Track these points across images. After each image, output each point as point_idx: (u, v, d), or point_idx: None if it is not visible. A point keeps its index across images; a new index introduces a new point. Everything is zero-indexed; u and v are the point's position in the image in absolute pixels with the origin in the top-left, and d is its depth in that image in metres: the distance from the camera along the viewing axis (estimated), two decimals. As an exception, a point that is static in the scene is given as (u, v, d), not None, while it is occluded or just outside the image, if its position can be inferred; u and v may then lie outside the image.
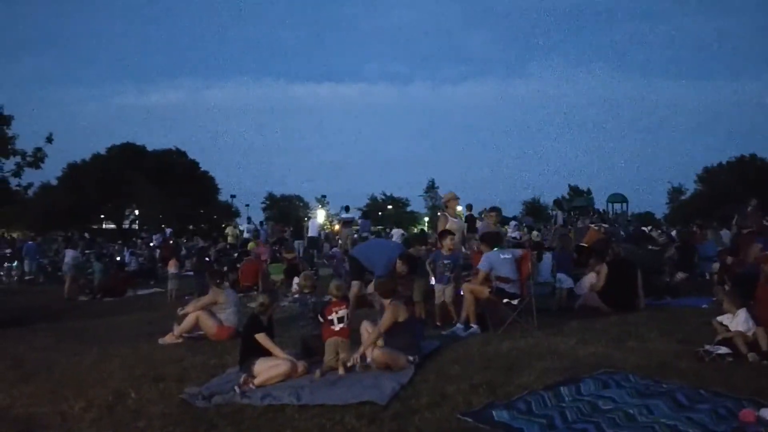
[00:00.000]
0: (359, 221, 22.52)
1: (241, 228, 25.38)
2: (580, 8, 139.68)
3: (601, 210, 31.44)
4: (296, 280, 12.63)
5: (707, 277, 11.39)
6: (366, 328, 5.96)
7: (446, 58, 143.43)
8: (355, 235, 20.47)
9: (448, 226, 8.80)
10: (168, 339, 7.61)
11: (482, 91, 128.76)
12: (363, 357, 5.63)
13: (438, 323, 7.94)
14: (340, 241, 21.75)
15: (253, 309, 6.15)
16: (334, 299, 5.94)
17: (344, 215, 23.03)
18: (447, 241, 8.27)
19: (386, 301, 5.89)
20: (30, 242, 21.30)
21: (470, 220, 19.04)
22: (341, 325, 5.74)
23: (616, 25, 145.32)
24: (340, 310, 5.80)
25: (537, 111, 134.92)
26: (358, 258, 8.57)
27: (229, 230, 26.48)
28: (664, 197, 66.36)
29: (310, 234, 22.96)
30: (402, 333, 5.70)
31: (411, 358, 5.57)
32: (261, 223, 28.90)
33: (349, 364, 5.57)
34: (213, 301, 7.88)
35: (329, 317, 5.77)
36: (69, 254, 15.96)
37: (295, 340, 6.59)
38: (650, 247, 11.15)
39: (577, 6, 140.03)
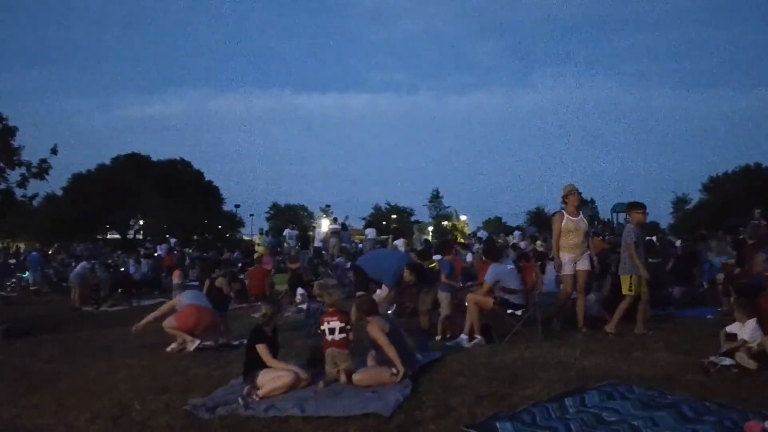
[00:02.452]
0: (343, 232, 22.89)
1: (283, 234, 24.79)
2: (585, 18, 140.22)
3: (605, 220, 31.42)
4: (300, 290, 12.69)
5: (705, 286, 11.33)
6: (373, 356, 5.86)
7: (451, 69, 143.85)
8: (343, 245, 20.93)
9: (564, 226, 7.86)
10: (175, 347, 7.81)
11: (486, 101, 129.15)
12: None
13: (439, 336, 7.92)
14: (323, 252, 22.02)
15: (257, 320, 6.14)
16: (329, 309, 5.92)
17: (332, 226, 23.74)
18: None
19: (369, 318, 5.79)
20: (34, 253, 21.40)
21: (397, 231, 19.58)
22: (332, 337, 5.69)
23: (620, 35, 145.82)
24: (332, 321, 5.75)
25: (541, 121, 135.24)
26: (363, 268, 8.55)
27: (257, 239, 25.85)
28: (669, 207, 66.24)
29: (315, 244, 23.08)
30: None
31: (394, 370, 5.42)
32: (266, 232, 28.82)
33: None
34: (172, 306, 8.16)
35: (322, 327, 5.78)
36: (81, 265, 16.08)
37: (299, 350, 6.59)
38: (650, 260, 11.03)
39: (581, 16, 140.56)
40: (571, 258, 7.88)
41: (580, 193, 8.06)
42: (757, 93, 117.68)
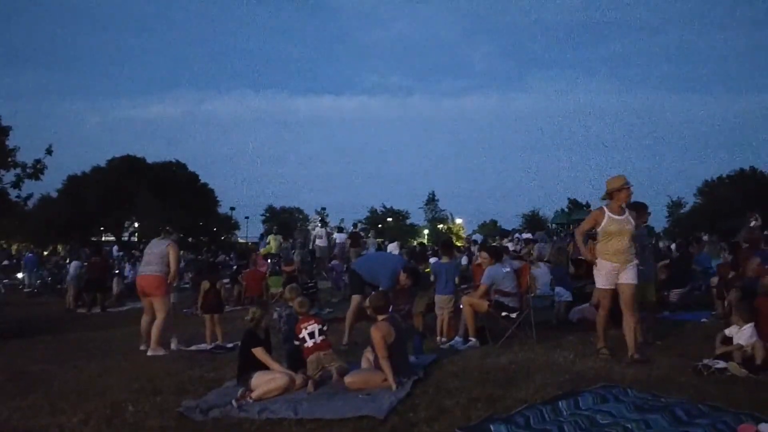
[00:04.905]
0: (337, 234, 23.05)
1: (314, 234, 24.72)
2: (579, 22, 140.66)
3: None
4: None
5: (702, 289, 11.35)
6: (367, 357, 5.84)
7: (446, 72, 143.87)
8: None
9: (604, 227, 6.35)
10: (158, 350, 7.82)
11: (482, 105, 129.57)
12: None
13: (445, 338, 7.81)
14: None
15: (249, 323, 6.09)
16: (300, 317, 5.93)
17: (325, 228, 24.00)
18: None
19: (379, 317, 5.75)
20: (30, 254, 21.33)
21: (354, 236, 19.76)
22: (314, 341, 5.71)
23: (615, 39, 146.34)
24: (309, 326, 5.77)
25: (536, 124, 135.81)
26: (359, 271, 8.53)
27: (270, 238, 25.62)
28: (664, 211, 66.45)
29: (311, 247, 23.05)
30: (391, 355, 5.51)
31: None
32: (261, 236, 28.65)
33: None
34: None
35: (300, 335, 5.77)
36: (73, 265, 15.99)
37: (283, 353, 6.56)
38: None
39: (575, 20, 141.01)
40: (613, 268, 6.33)
41: (629, 187, 6.45)
42: (752, 97, 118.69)
